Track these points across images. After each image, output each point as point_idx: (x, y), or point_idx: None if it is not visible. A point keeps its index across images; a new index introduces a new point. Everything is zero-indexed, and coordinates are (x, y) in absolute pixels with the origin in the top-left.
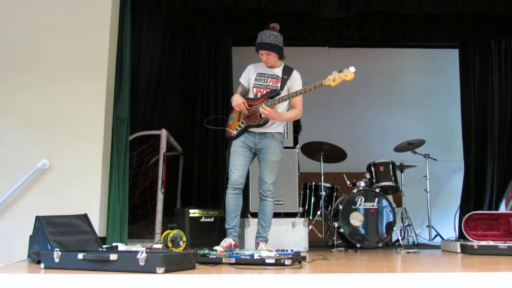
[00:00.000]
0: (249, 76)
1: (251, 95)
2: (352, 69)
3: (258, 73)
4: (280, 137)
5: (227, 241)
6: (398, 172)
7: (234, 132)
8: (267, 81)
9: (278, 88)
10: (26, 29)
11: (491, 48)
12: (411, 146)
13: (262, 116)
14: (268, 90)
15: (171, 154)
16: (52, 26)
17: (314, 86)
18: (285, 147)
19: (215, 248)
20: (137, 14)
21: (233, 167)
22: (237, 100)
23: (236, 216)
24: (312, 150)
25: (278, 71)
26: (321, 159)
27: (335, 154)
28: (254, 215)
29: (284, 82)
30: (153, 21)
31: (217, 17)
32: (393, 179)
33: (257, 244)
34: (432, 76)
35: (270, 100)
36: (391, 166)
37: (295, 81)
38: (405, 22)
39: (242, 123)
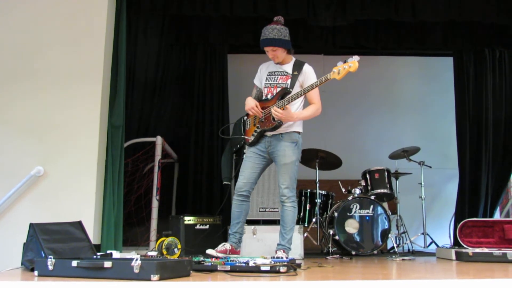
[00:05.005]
0: (261, 76)
1: (264, 96)
2: (356, 57)
3: (269, 72)
4: (292, 137)
5: (224, 246)
6: (393, 179)
7: (251, 138)
8: (277, 79)
9: (288, 86)
10: (21, 36)
11: (485, 56)
12: (406, 153)
13: (275, 119)
14: (278, 89)
15: (166, 161)
16: (47, 34)
17: (321, 82)
18: None
19: (207, 251)
20: (133, 22)
21: (241, 172)
22: (249, 103)
23: (239, 223)
24: (307, 157)
25: (288, 68)
26: (316, 167)
27: (330, 161)
28: (250, 222)
29: (294, 78)
30: (149, 29)
31: (213, 25)
32: (388, 186)
33: (275, 253)
34: (426, 84)
35: (281, 100)
36: (386, 173)
37: (307, 76)
38: (400, 30)
39: (258, 127)
